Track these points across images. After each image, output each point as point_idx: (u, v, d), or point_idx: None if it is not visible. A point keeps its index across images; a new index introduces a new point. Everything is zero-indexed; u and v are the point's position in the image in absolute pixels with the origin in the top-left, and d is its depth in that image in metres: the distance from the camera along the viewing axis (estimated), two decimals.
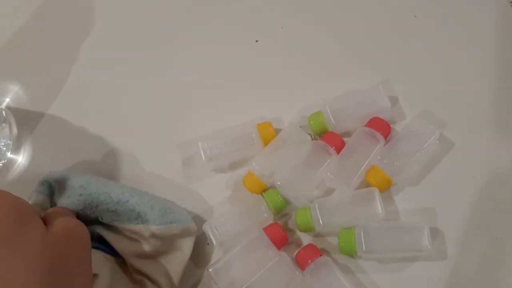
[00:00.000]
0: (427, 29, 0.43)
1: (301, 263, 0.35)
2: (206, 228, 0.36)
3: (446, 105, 0.40)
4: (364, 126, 0.38)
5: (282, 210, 0.37)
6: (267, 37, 0.44)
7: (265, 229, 0.36)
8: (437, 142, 0.38)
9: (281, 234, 0.35)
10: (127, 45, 0.45)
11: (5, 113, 0.42)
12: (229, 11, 0.46)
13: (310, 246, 0.36)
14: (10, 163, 0.42)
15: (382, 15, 0.44)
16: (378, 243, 0.35)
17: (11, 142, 0.42)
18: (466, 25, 0.43)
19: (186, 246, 0.36)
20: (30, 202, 0.34)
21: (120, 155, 0.41)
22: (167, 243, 0.35)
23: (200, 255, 0.37)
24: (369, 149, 0.37)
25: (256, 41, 0.44)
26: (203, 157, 0.38)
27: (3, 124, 0.41)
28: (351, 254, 0.35)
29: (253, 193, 0.38)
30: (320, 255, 0.35)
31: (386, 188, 0.37)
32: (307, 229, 0.36)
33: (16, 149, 0.42)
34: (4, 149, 0.41)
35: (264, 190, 0.38)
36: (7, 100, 0.44)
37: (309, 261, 0.34)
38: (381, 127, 0.37)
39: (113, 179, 0.40)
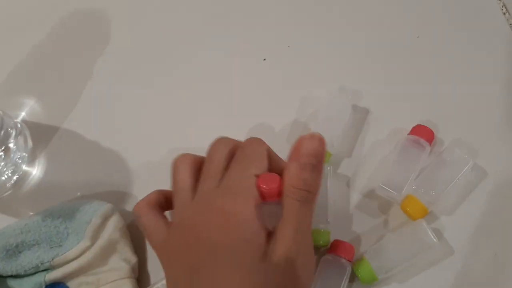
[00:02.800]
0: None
1: None
2: None
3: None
4: (408, 134, 0.39)
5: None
6: (274, 56, 0.46)
7: None
8: (470, 171, 0.38)
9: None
10: (140, 62, 0.47)
11: (20, 126, 0.44)
12: (238, 32, 0.47)
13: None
14: (25, 175, 0.43)
15: (388, 36, 0.46)
16: (392, 259, 0.36)
17: (26, 155, 0.43)
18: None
19: (112, 227, 0.37)
20: None
21: (134, 169, 0.43)
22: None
23: None
24: (416, 156, 0.38)
25: (264, 59, 0.46)
26: None
27: (19, 137, 0.43)
28: (374, 281, 0.36)
29: None
30: None
31: (421, 217, 0.37)
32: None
33: (31, 161, 0.44)
34: (20, 161, 0.43)
35: None
36: (23, 114, 0.46)
37: None
38: (425, 133, 0.39)
39: (126, 193, 0.41)
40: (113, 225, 0.38)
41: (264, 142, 0.32)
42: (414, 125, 0.40)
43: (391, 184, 0.37)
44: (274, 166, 0.31)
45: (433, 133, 0.39)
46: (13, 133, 0.42)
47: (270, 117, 0.43)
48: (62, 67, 0.47)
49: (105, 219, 0.38)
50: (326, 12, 0.47)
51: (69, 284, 0.37)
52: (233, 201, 0.29)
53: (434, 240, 0.35)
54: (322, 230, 0.37)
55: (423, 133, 0.39)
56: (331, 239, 0.38)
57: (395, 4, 0.47)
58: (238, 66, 0.46)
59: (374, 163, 0.41)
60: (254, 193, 0.29)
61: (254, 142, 0.32)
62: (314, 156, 0.30)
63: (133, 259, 0.38)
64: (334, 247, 0.37)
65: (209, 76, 0.46)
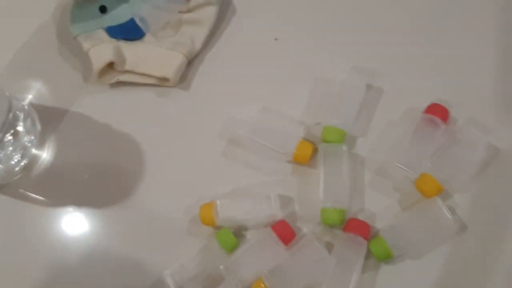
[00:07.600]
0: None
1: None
2: (165, 276, 0.37)
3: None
4: (423, 113, 0.39)
5: (234, 248, 0.37)
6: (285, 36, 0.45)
7: (272, 227, 0.37)
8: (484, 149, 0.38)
9: (289, 231, 0.37)
10: None
11: (28, 108, 0.43)
12: (249, 11, 0.46)
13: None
14: (34, 159, 0.42)
15: (400, 14, 0.45)
16: (407, 236, 0.36)
17: (34, 138, 0.43)
18: None
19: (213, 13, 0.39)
20: None
21: (144, 150, 0.42)
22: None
23: None
24: (432, 135, 0.38)
25: (275, 39, 0.45)
26: None
27: (27, 120, 0.42)
28: (389, 258, 0.36)
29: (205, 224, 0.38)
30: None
31: (436, 195, 0.37)
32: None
33: (40, 145, 0.43)
34: (29, 145, 0.42)
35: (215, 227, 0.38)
36: (30, 97, 0.45)
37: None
38: (440, 112, 0.39)
39: (137, 175, 0.41)
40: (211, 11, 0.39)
41: None
42: (428, 104, 0.40)
43: (408, 163, 0.38)
44: None
45: (448, 112, 0.39)
46: (21, 116, 0.41)
47: (282, 99, 0.43)
48: (68, 49, 0.46)
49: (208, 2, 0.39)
50: None
51: None
52: None
53: (449, 217, 0.36)
54: (338, 209, 0.37)
55: (438, 112, 0.39)
56: (346, 218, 0.38)
57: None
58: (249, 46, 0.45)
59: (388, 142, 0.40)
60: None
61: None
62: None
63: (198, 45, 0.38)
64: (350, 226, 0.37)
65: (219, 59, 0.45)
